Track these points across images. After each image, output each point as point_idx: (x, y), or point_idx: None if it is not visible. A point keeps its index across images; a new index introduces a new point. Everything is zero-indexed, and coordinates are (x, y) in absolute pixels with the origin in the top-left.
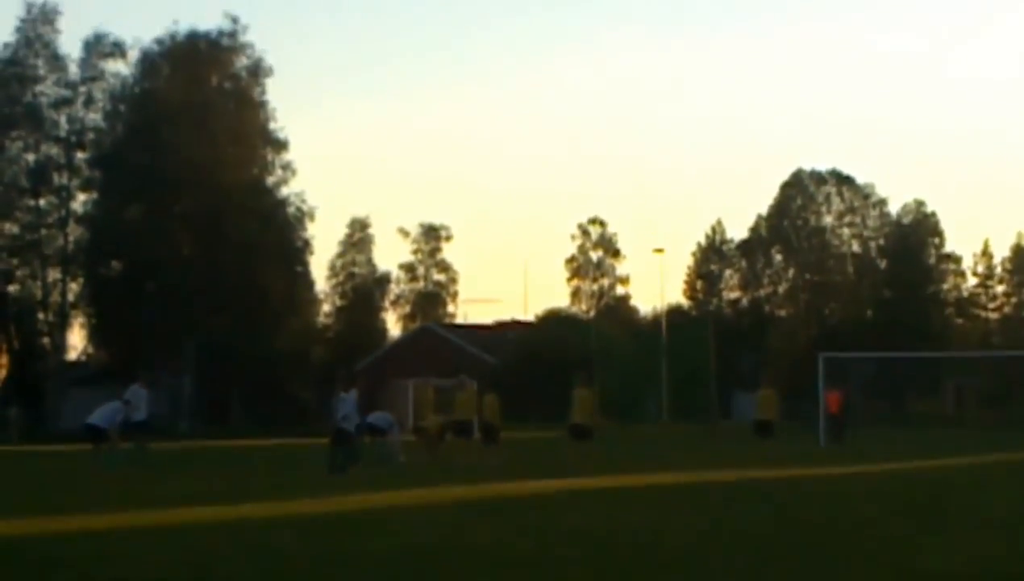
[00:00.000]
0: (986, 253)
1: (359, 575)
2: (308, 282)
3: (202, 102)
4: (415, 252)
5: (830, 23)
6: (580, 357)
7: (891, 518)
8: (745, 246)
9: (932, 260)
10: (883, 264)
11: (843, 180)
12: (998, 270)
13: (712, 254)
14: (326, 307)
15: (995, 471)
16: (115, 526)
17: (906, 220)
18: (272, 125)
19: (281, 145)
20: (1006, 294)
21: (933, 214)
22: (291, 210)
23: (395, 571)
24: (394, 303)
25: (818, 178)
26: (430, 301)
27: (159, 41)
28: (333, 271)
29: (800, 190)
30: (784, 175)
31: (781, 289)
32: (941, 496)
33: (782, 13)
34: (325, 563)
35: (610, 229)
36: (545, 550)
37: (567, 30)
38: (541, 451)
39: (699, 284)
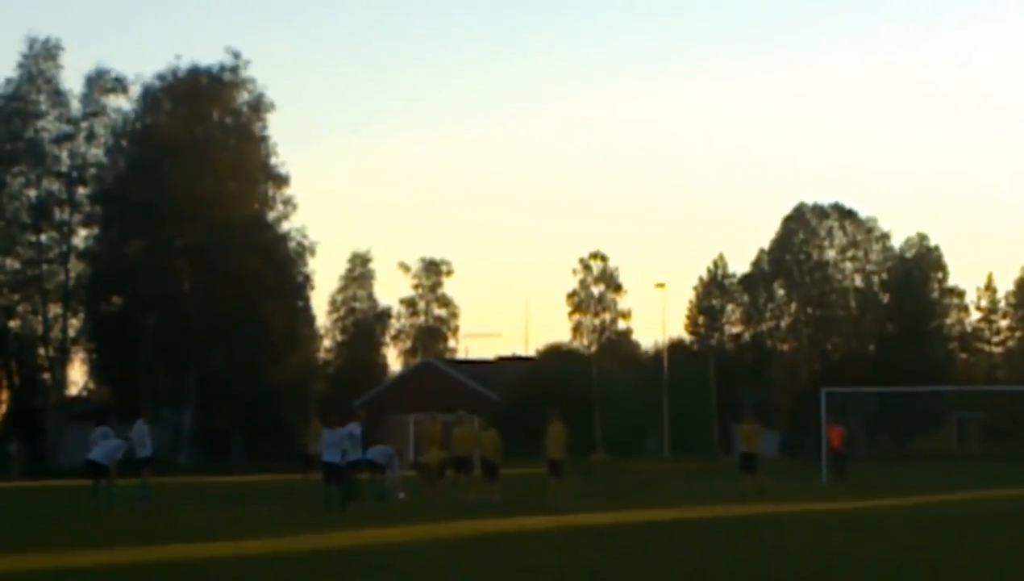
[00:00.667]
0: (990, 287)
1: None
2: (309, 317)
3: (203, 137)
4: (416, 287)
5: (832, 61)
6: (582, 392)
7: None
8: (747, 280)
9: (935, 294)
10: (886, 298)
11: (845, 214)
12: (1002, 304)
13: (714, 288)
14: (327, 342)
15: (996, 507)
16: (114, 562)
17: (909, 254)
18: (273, 160)
19: (282, 180)
20: (1010, 328)
21: (936, 248)
22: (292, 245)
23: None
24: (395, 338)
25: (820, 212)
26: (431, 336)
27: (160, 76)
28: (334, 306)
29: (802, 224)
30: (786, 209)
31: (783, 323)
32: (935, 533)
33: (784, 50)
34: None
35: (611, 263)
36: None
37: (569, 69)
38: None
39: (701, 319)
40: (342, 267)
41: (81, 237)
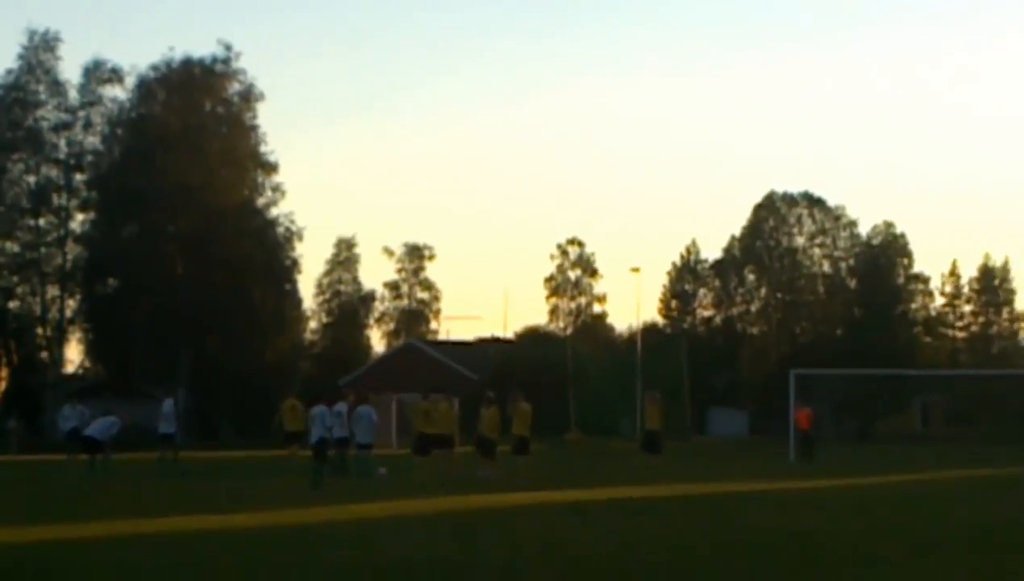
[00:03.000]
0: (954, 273)
1: None
2: (296, 299)
3: (196, 126)
4: (399, 271)
5: (800, 53)
6: (558, 373)
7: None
8: (719, 266)
9: (901, 280)
10: (853, 284)
11: (814, 202)
12: (965, 290)
13: (687, 273)
14: (313, 324)
15: (959, 487)
16: (111, 534)
17: (875, 241)
18: (263, 148)
19: (271, 167)
20: (973, 313)
21: (902, 235)
22: (280, 230)
23: None
24: (379, 320)
25: (790, 200)
26: (413, 318)
27: (155, 67)
28: (320, 289)
29: (772, 212)
30: (757, 197)
31: (753, 308)
32: (901, 511)
33: (755, 44)
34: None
35: (588, 249)
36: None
37: (548, 62)
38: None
39: (674, 303)
40: (328, 251)
41: (78, 222)
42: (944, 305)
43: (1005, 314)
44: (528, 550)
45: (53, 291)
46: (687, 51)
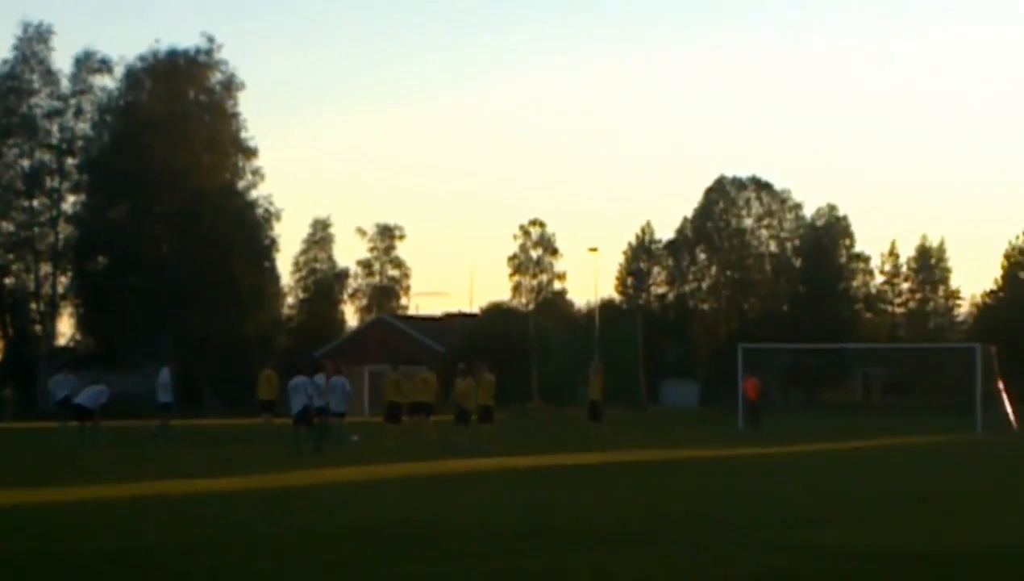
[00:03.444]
0: (893, 253)
1: (318, 548)
2: (274, 277)
3: (180, 113)
4: (371, 250)
5: (749, 46)
6: (520, 346)
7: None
8: (672, 246)
9: (843, 259)
10: (798, 263)
11: (762, 186)
12: (903, 269)
13: (642, 253)
14: (290, 299)
15: (896, 453)
16: (102, 497)
17: (819, 222)
18: (243, 134)
19: (251, 152)
20: (911, 291)
21: (844, 217)
22: (259, 211)
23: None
24: (352, 296)
25: (739, 184)
26: (385, 294)
27: (142, 58)
28: (297, 267)
29: (722, 195)
30: (708, 181)
31: (704, 285)
32: (843, 476)
33: (705, 36)
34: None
35: (549, 230)
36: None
37: (511, 52)
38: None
39: (629, 280)
40: (305, 231)
41: (70, 203)
42: (883, 283)
43: (941, 291)
44: (495, 510)
45: (46, 268)
46: (644, 44)
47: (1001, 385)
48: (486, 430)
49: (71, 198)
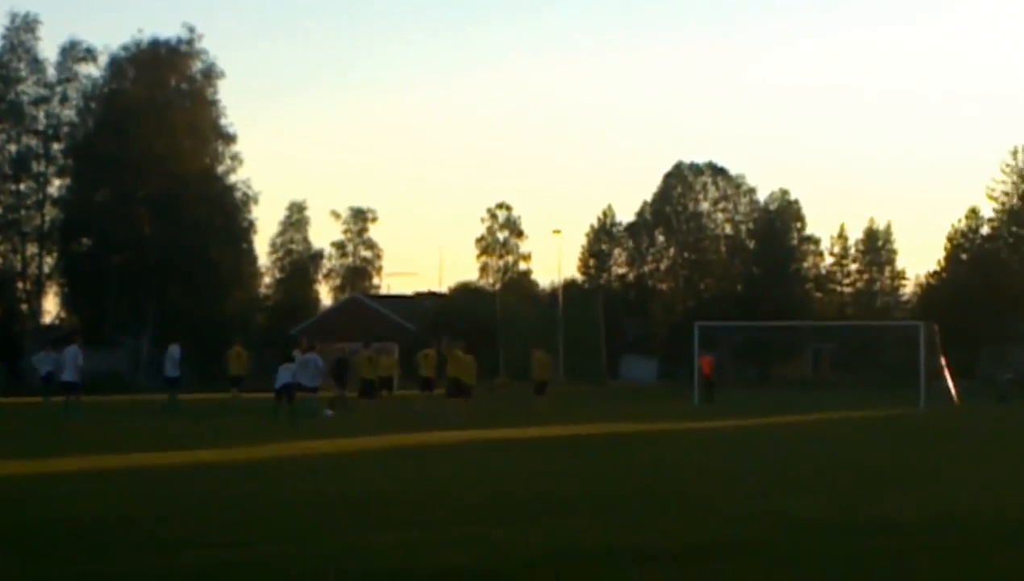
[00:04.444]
0: (842, 236)
1: (285, 516)
2: (252, 258)
3: (162, 101)
4: (345, 232)
5: (706, 37)
6: (487, 324)
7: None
8: (632, 228)
9: (795, 241)
10: (752, 245)
11: (718, 171)
12: (852, 250)
13: (603, 235)
14: (267, 279)
15: (845, 425)
16: (84, 468)
17: (772, 206)
18: (223, 121)
19: (230, 138)
20: (859, 271)
21: (796, 201)
22: (238, 195)
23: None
24: (326, 276)
25: (696, 169)
26: (358, 274)
27: (125, 47)
28: (274, 248)
29: (680, 180)
30: (666, 167)
31: (663, 266)
32: (792, 447)
33: (664, 30)
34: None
35: (515, 213)
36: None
37: (479, 42)
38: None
39: (591, 261)
40: (281, 214)
41: (55, 186)
42: (833, 264)
43: (887, 272)
44: (463, 482)
45: (32, 249)
46: (606, 37)
47: (943, 361)
48: (452, 404)
49: (56, 182)
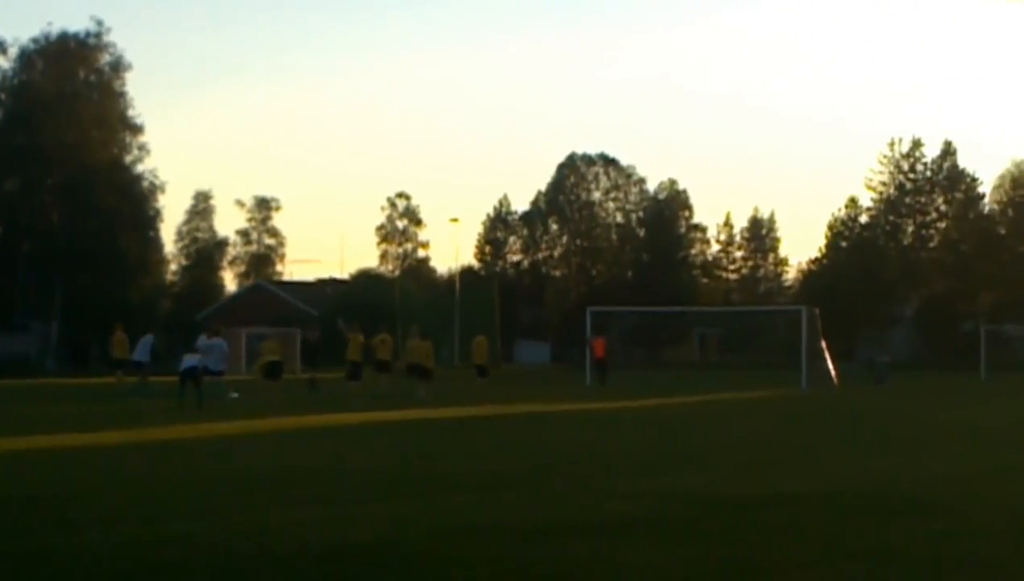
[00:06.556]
0: (727, 224)
1: (205, 494)
2: (158, 245)
3: (71, 92)
4: (249, 220)
5: (600, 32)
6: (387, 310)
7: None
8: (527, 217)
9: (683, 229)
10: (642, 233)
11: (609, 162)
12: (737, 238)
13: (499, 223)
14: (173, 266)
15: (731, 405)
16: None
17: (661, 196)
18: (130, 112)
19: (137, 129)
20: (744, 258)
21: (684, 191)
22: (145, 184)
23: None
24: (231, 263)
25: (588, 160)
26: (262, 261)
27: (35, 40)
28: (180, 236)
29: (573, 170)
30: (560, 157)
31: (556, 253)
32: (679, 426)
33: (558, 25)
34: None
35: (414, 202)
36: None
37: (379, 36)
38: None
39: (488, 248)
40: (187, 203)
41: None
42: (719, 251)
43: (771, 259)
44: (374, 460)
45: None
46: (503, 31)
47: (824, 344)
48: (353, 387)
49: None
